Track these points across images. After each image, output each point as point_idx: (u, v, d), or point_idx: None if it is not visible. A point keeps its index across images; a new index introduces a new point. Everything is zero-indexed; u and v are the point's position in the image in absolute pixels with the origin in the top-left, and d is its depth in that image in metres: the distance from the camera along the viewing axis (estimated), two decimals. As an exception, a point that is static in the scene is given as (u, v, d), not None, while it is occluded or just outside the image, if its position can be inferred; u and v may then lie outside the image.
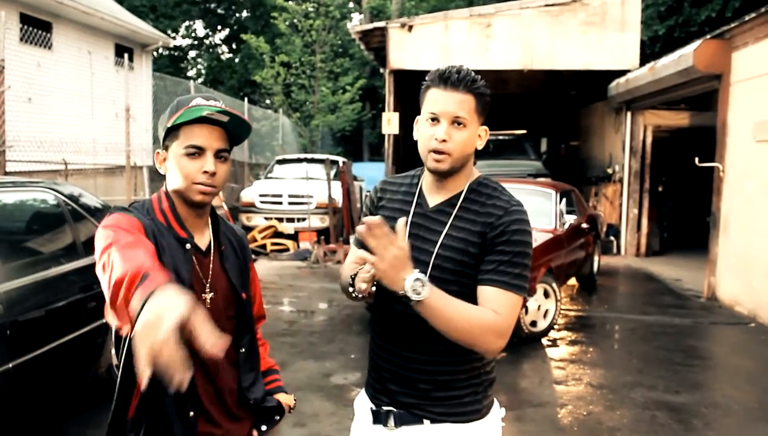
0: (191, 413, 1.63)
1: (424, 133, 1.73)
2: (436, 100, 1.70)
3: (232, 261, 1.78)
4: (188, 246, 1.67)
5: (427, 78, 1.75)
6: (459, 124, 1.69)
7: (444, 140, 1.68)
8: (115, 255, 1.39)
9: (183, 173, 1.64)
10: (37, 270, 3.74)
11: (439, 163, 1.71)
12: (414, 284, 1.52)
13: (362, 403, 1.92)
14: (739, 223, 7.83)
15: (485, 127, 1.78)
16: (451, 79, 1.69)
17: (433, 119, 1.71)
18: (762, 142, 7.20)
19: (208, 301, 1.69)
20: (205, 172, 1.63)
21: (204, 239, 1.75)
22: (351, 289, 1.73)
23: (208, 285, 1.70)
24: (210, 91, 19.79)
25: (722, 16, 13.19)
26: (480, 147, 1.78)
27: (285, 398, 1.95)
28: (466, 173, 1.79)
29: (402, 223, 1.54)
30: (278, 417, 1.89)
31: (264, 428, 1.85)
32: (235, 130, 1.70)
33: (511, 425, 4.28)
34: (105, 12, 14.15)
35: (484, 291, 1.68)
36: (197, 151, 1.64)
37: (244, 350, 1.79)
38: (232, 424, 1.77)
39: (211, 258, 1.74)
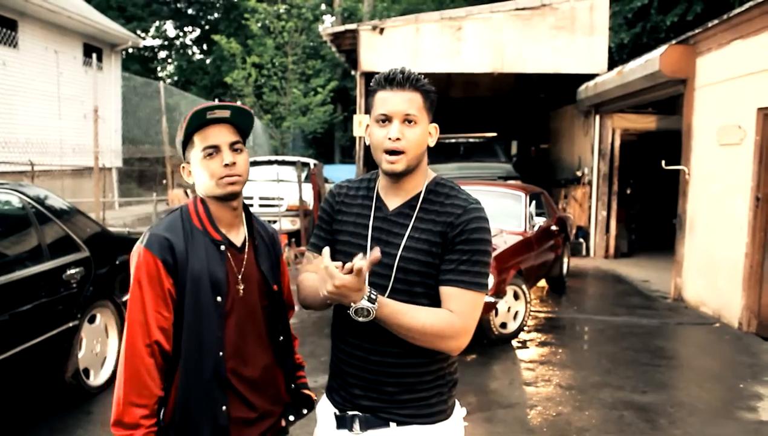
0: (224, 407, 1.75)
1: (376, 135, 1.74)
2: (384, 100, 1.72)
3: (264, 255, 1.93)
4: (222, 248, 1.81)
5: (372, 83, 1.77)
6: (410, 121, 1.71)
7: (398, 139, 1.70)
8: (128, 362, 1.69)
9: (208, 173, 1.78)
10: (1, 273, 3.67)
11: (394, 165, 1.72)
12: (359, 310, 1.61)
13: (325, 408, 1.92)
14: (704, 225, 7.97)
15: (435, 125, 1.80)
16: (397, 79, 1.72)
17: (383, 120, 1.72)
18: (725, 145, 7.34)
19: (241, 292, 1.84)
20: (226, 165, 1.77)
21: (239, 235, 1.89)
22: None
23: (240, 278, 1.84)
24: (181, 92, 19.62)
25: (684, 20, 13.39)
26: (432, 144, 1.80)
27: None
28: (422, 173, 1.81)
29: (364, 262, 1.58)
30: (306, 411, 1.99)
31: (291, 418, 1.96)
32: (241, 123, 1.83)
33: (480, 427, 4.31)
34: (72, 11, 13.93)
35: (445, 292, 1.71)
36: (214, 150, 1.78)
37: (282, 337, 1.94)
38: (271, 406, 1.89)
39: (246, 253, 1.88)
